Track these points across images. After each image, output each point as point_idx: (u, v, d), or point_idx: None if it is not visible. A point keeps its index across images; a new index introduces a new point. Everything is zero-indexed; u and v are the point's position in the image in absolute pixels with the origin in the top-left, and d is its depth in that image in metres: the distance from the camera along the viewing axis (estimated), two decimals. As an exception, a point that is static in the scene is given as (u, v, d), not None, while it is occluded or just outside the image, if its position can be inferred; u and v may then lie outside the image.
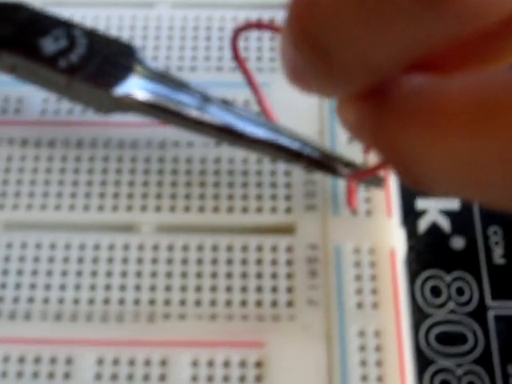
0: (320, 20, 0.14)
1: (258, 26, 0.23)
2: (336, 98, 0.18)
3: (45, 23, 0.24)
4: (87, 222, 0.25)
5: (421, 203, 0.27)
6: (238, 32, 0.23)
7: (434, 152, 0.15)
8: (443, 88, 0.15)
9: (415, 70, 0.16)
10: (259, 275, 0.24)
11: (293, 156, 0.24)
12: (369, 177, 0.24)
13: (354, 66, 0.15)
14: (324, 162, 0.24)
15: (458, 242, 0.26)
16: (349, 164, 0.24)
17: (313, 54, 0.15)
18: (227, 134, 0.24)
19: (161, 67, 0.28)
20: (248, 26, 0.23)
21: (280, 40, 0.17)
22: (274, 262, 0.24)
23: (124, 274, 0.24)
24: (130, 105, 0.24)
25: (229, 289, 0.24)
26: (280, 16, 0.29)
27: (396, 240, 0.25)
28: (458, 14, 0.13)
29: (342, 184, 0.25)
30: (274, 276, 0.24)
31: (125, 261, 0.25)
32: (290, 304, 0.24)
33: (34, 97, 0.27)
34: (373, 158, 0.25)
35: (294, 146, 0.24)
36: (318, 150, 0.24)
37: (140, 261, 0.25)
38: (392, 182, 0.26)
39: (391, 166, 0.16)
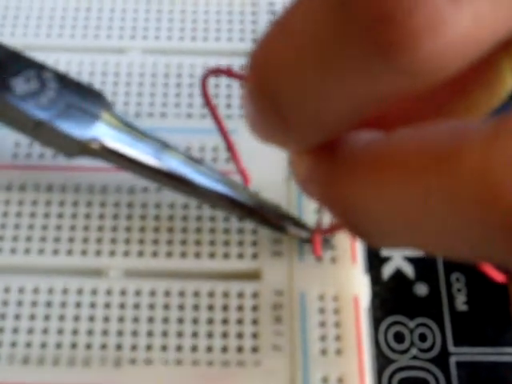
0: (274, 69, 0.15)
1: (228, 72, 0.24)
2: (290, 151, 0.18)
3: (17, 63, 0.25)
4: (56, 266, 0.26)
5: (385, 250, 0.27)
6: (207, 75, 0.24)
7: (381, 202, 0.15)
8: (389, 140, 0.15)
9: (364, 127, 0.16)
10: (225, 321, 0.25)
11: (244, 212, 0.25)
12: (332, 234, 0.25)
13: (308, 123, 0.15)
14: (274, 221, 0.25)
15: (421, 289, 0.26)
16: (300, 224, 0.25)
17: (265, 104, 0.15)
18: (181, 184, 0.25)
19: (130, 114, 0.28)
20: (218, 71, 0.24)
21: (242, 91, 0.17)
22: (240, 308, 0.25)
23: (91, 319, 0.25)
24: (93, 150, 0.25)
25: (195, 334, 0.24)
26: (237, 63, 0.29)
27: (360, 287, 0.25)
28: (410, 68, 0.13)
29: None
30: (240, 322, 0.25)
31: (92, 305, 0.25)
32: (255, 350, 0.24)
33: (6, 140, 0.27)
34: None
35: (248, 202, 0.25)
36: (270, 208, 0.25)
37: (107, 305, 0.25)
38: (357, 229, 0.26)
39: (341, 221, 0.16)
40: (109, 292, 0.25)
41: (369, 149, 0.15)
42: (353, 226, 0.16)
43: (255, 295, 0.25)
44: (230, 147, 0.26)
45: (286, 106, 0.15)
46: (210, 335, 0.24)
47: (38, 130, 0.24)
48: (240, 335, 0.24)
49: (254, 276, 0.25)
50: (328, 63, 0.13)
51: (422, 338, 0.26)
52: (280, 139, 0.16)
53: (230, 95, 0.29)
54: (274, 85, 0.15)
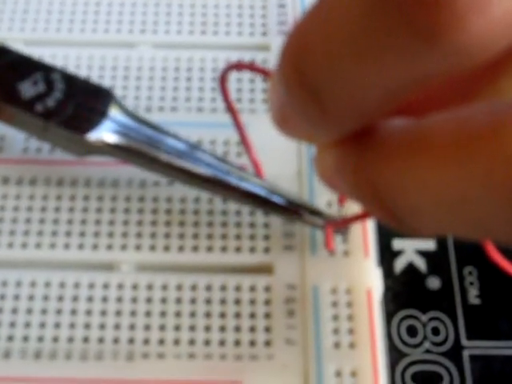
0: (312, 59, 0.14)
1: (250, 67, 0.24)
2: (316, 145, 0.18)
3: (25, 67, 0.25)
4: (68, 260, 0.25)
5: (397, 243, 0.27)
6: (228, 69, 0.23)
7: (420, 186, 0.14)
8: (425, 123, 0.15)
9: (392, 114, 0.16)
10: (238, 315, 0.24)
11: (260, 202, 0.25)
12: (345, 226, 0.25)
13: (346, 107, 0.15)
14: (290, 208, 0.25)
15: (433, 282, 0.26)
16: (315, 212, 0.25)
17: (304, 95, 0.15)
18: (209, 183, 0.25)
19: (141, 109, 0.28)
20: (239, 66, 0.24)
21: (270, 83, 0.17)
22: (253, 302, 0.25)
23: (103, 313, 0.25)
24: (104, 149, 0.25)
25: (207, 328, 0.24)
26: (260, 57, 0.29)
27: (373, 281, 0.25)
28: (458, 48, 0.12)
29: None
30: (253, 316, 0.24)
31: (104, 299, 0.25)
32: (267, 343, 0.24)
33: (16, 135, 0.27)
34: (346, 208, 0.25)
35: (262, 192, 0.25)
36: (286, 197, 0.25)
37: (119, 299, 0.25)
38: (369, 222, 0.26)
39: (374, 210, 0.16)
40: (120, 286, 0.25)
41: (404, 132, 0.15)
42: (387, 214, 0.16)
43: (267, 289, 0.25)
44: (244, 141, 0.26)
45: (327, 95, 0.14)
46: (222, 329, 0.24)
47: (47, 132, 0.24)
48: (253, 329, 0.24)
49: (266, 270, 0.25)
50: (369, 48, 0.13)
51: (435, 331, 0.25)
52: (312, 129, 0.16)
53: (241, 89, 0.29)
54: (313, 74, 0.14)
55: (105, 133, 0.24)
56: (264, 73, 0.24)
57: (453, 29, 0.12)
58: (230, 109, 0.25)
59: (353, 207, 0.26)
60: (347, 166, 0.16)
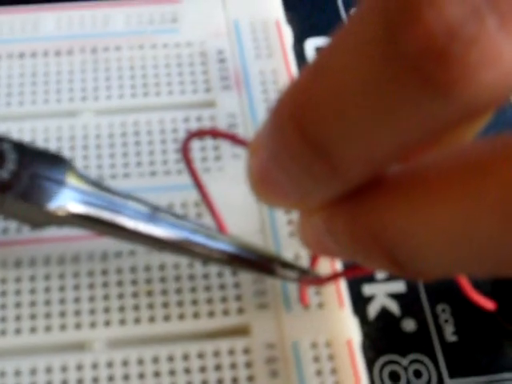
0: (318, 115, 0.14)
1: (213, 133, 0.23)
2: (300, 212, 0.18)
3: None
4: (36, 344, 0.24)
5: (367, 289, 0.27)
6: (189, 138, 0.23)
7: (426, 227, 0.14)
8: (421, 165, 0.14)
9: None
10: (220, 381, 0.24)
11: (231, 259, 0.24)
12: (321, 285, 0.25)
13: (356, 162, 0.14)
14: (263, 264, 0.24)
15: (409, 324, 0.26)
16: (287, 265, 0.24)
17: (309, 153, 0.14)
18: (174, 245, 0.24)
19: (92, 177, 0.27)
20: (201, 133, 0.23)
21: (251, 147, 0.16)
22: (233, 366, 0.24)
23: (80, 396, 0.23)
24: (64, 219, 0.24)
25: (190, 399, 0.24)
26: (206, 114, 0.29)
27: (351, 331, 0.25)
28: (470, 100, 0.12)
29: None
30: (235, 381, 0.24)
31: (80, 381, 0.24)
32: (254, 408, 0.23)
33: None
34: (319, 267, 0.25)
35: (232, 249, 0.24)
36: (256, 252, 0.24)
37: (95, 380, 0.24)
38: (339, 271, 0.26)
39: (373, 260, 0.16)
40: (95, 365, 0.24)
41: (401, 176, 0.15)
42: (390, 260, 0.15)
43: (247, 351, 0.24)
44: (207, 201, 0.25)
45: (336, 151, 0.14)
46: (206, 398, 0.24)
47: (4, 206, 0.23)
48: (237, 394, 0.24)
49: (242, 331, 0.25)
50: (381, 101, 0.13)
51: (417, 374, 0.25)
52: (303, 194, 0.16)
53: (205, 147, 0.28)
54: (319, 131, 0.14)
55: (64, 201, 0.23)
56: (227, 137, 0.23)
57: (466, 82, 0.12)
58: (193, 174, 0.24)
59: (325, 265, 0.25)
60: (341, 223, 0.16)
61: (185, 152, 0.24)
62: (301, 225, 0.17)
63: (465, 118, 0.13)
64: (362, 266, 0.23)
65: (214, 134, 0.23)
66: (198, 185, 0.25)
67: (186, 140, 0.23)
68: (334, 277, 0.23)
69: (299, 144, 0.14)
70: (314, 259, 0.25)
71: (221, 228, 0.26)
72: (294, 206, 0.17)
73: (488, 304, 0.24)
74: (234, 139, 0.23)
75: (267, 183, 0.16)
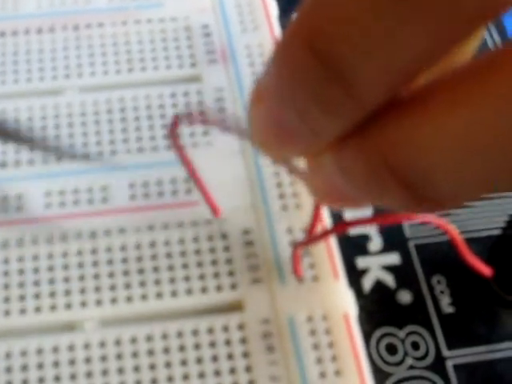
0: (331, 33, 0.13)
1: (201, 118, 0.23)
2: (307, 161, 0.17)
3: None
4: (25, 325, 0.24)
5: (361, 262, 0.26)
6: (175, 122, 0.23)
7: (434, 138, 0.13)
8: (427, 84, 0.14)
9: None
10: (215, 358, 0.23)
11: None
12: (313, 243, 0.24)
13: (372, 82, 0.13)
14: None
15: (404, 297, 0.26)
16: None
17: (327, 80, 0.13)
18: None
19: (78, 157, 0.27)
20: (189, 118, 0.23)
21: (251, 104, 0.16)
22: (228, 343, 0.24)
23: (73, 377, 0.23)
24: None
25: (185, 377, 0.23)
26: (193, 89, 0.28)
27: (347, 303, 0.24)
28: None
29: (283, 253, 0.25)
30: (230, 357, 0.23)
31: (72, 362, 0.23)
32: (251, 383, 0.23)
33: None
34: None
35: None
36: None
37: (88, 360, 0.23)
38: (333, 244, 0.25)
39: (390, 192, 0.15)
40: (87, 346, 0.23)
41: (408, 97, 0.14)
42: (406, 189, 0.14)
43: (241, 327, 0.24)
44: (195, 179, 0.25)
45: (354, 69, 0.13)
46: (201, 375, 0.23)
47: None
48: (233, 371, 0.23)
49: (236, 307, 0.24)
50: (392, 12, 0.12)
51: (415, 346, 0.25)
52: (318, 131, 0.15)
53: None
54: (334, 49, 0.13)
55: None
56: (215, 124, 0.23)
57: None
58: (182, 157, 0.24)
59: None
60: (352, 155, 0.15)
61: (173, 137, 0.23)
62: (309, 174, 0.17)
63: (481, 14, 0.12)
64: (353, 222, 0.23)
65: (204, 120, 0.23)
66: (188, 166, 0.24)
67: (173, 125, 0.23)
68: (324, 234, 0.23)
69: (313, 69, 0.13)
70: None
71: (212, 207, 0.25)
72: (304, 149, 0.16)
73: (485, 269, 0.24)
74: (223, 125, 0.22)
75: (275, 130, 0.15)
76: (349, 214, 0.27)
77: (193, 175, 0.25)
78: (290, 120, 0.15)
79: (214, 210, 0.25)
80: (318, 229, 0.24)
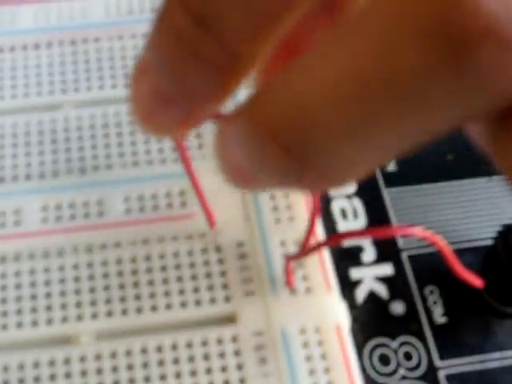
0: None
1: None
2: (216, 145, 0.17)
3: None
4: (22, 339, 0.24)
5: (354, 273, 0.27)
6: None
7: (301, 85, 0.13)
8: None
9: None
10: (208, 370, 0.24)
11: None
12: (305, 256, 0.24)
13: (240, 27, 0.14)
14: None
15: (397, 307, 0.26)
16: None
17: (199, 32, 0.14)
18: None
19: (74, 170, 0.27)
20: None
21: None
22: (222, 355, 0.24)
23: (69, 390, 0.23)
24: None
25: (180, 389, 0.23)
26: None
27: (340, 315, 0.25)
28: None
29: (277, 265, 0.25)
30: (224, 369, 0.24)
31: (68, 375, 0.24)
32: (244, 395, 0.23)
33: None
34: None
35: None
36: None
37: (84, 373, 0.24)
38: (325, 256, 0.26)
39: (271, 163, 0.14)
40: (83, 359, 0.24)
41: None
42: (299, 154, 0.14)
43: (235, 339, 0.24)
44: (197, 189, 0.25)
45: (215, 22, 0.14)
46: (195, 388, 0.23)
47: None
48: (227, 383, 0.23)
49: (230, 319, 0.25)
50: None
51: (408, 356, 0.25)
52: (197, 94, 0.15)
53: (175, 138, 0.28)
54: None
55: None
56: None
57: None
58: (185, 162, 0.24)
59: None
60: (238, 125, 0.15)
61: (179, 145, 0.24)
62: (215, 150, 0.16)
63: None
64: (345, 235, 0.23)
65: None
66: (190, 172, 0.24)
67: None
68: (317, 247, 0.23)
69: (187, 27, 0.14)
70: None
71: (209, 218, 0.26)
72: (182, 117, 0.16)
73: (476, 281, 0.24)
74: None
75: (156, 99, 0.16)
76: (342, 227, 0.28)
77: (195, 183, 0.25)
78: (169, 86, 0.15)
79: (211, 220, 0.25)
80: (312, 241, 0.24)
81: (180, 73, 0.15)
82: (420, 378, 0.25)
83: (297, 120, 0.14)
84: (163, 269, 0.25)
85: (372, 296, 0.26)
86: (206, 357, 0.24)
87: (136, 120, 0.17)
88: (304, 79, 0.13)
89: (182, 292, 0.25)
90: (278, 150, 0.14)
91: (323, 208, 0.27)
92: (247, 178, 0.16)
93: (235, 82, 0.16)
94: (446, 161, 0.29)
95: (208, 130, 0.28)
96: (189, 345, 0.24)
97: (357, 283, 0.27)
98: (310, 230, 0.24)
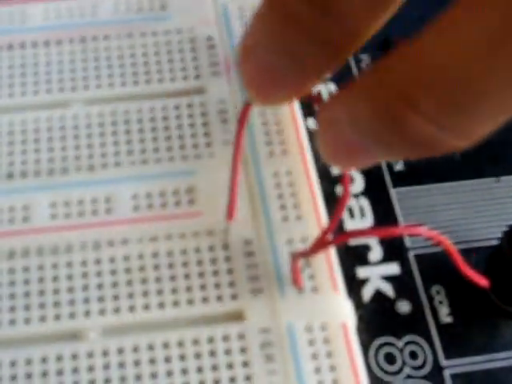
0: None
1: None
2: (319, 123, 0.17)
3: None
4: (30, 334, 0.24)
5: (361, 271, 0.27)
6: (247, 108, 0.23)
7: (447, 50, 0.14)
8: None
9: None
10: (215, 367, 0.24)
11: None
12: (312, 255, 0.24)
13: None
14: None
15: (403, 306, 0.26)
16: None
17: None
18: None
19: (83, 168, 0.27)
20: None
21: (241, 57, 0.17)
22: (228, 352, 0.24)
23: (76, 385, 0.23)
24: None
25: (186, 385, 0.24)
26: (197, 101, 0.29)
27: (346, 314, 0.25)
28: None
29: (284, 264, 0.25)
30: (230, 366, 0.24)
31: (75, 371, 0.24)
32: (250, 393, 0.23)
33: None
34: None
35: None
36: None
37: (91, 369, 0.24)
38: (332, 255, 0.26)
39: (404, 133, 0.15)
40: (90, 354, 0.24)
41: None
42: (430, 117, 0.14)
43: (241, 336, 0.24)
44: (234, 183, 0.25)
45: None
46: (201, 384, 0.24)
47: None
48: (233, 380, 0.24)
49: (237, 317, 0.25)
50: None
51: (413, 355, 0.25)
52: (308, 67, 0.16)
53: (183, 135, 0.28)
54: None
55: None
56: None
57: None
58: (238, 148, 0.24)
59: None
60: (362, 96, 0.16)
61: (241, 122, 0.24)
62: (323, 139, 0.17)
63: None
64: (352, 233, 0.23)
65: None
66: (237, 161, 0.24)
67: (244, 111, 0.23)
68: (324, 245, 0.23)
69: (298, 4, 0.15)
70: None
71: (231, 211, 0.25)
72: (297, 89, 0.17)
73: (482, 281, 0.24)
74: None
75: (268, 75, 0.17)
76: (349, 226, 0.28)
77: (235, 170, 0.25)
78: (282, 62, 0.16)
79: (231, 214, 0.25)
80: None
81: (295, 50, 0.16)
82: (425, 377, 0.25)
83: (442, 81, 0.14)
84: (171, 266, 0.25)
85: (378, 295, 0.26)
86: (213, 354, 0.24)
87: (249, 94, 0.18)
88: (453, 38, 0.14)
89: (189, 289, 0.25)
90: (414, 116, 0.14)
91: (330, 207, 0.27)
92: (356, 154, 0.17)
93: (348, 55, 0.17)
94: (454, 161, 0.29)
95: (216, 129, 0.28)
96: (195, 342, 0.24)
97: (363, 282, 0.27)
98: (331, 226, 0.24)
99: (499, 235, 0.26)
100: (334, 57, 0.16)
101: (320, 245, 0.24)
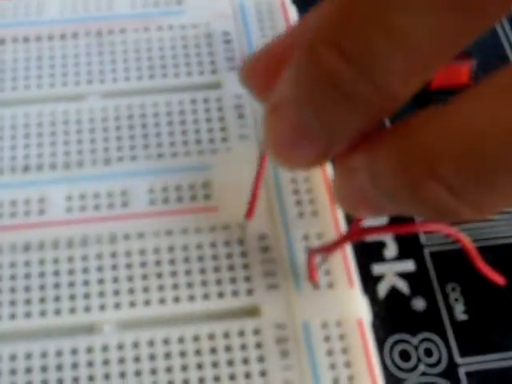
0: (358, 31, 0.13)
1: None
2: (335, 174, 0.17)
3: None
4: (45, 327, 0.24)
5: (377, 268, 0.27)
6: None
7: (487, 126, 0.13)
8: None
9: None
10: (230, 362, 0.24)
11: None
12: (329, 252, 0.24)
13: (403, 74, 0.14)
14: None
15: (418, 304, 0.26)
16: None
17: (353, 76, 0.14)
18: None
19: (99, 161, 0.27)
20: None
21: (268, 114, 0.16)
22: (244, 347, 0.24)
23: (91, 378, 0.23)
24: None
25: (201, 380, 0.23)
26: (213, 96, 0.29)
27: (361, 310, 0.25)
28: None
29: (300, 260, 0.25)
30: (246, 361, 0.24)
31: (90, 364, 0.24)
32: (266, 388, 0.23)
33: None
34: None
35: None
36: None
37: (106, 362, 0.24)
38: (348, 251, 0.26)
39: (426, 196, 0.15)
40: (105, 348, 0.24)
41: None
42: (464, 191, 0.14)
43: (257, 332, 0.24)
44: (258, 181, 0.25)
45: (378, 64, 0.14)
46: (217, 379, 0.23)
47: None
48: (248, 375, 0.24)
49: (252, 312, 0.25)
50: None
51: (428, 353, 0.25)
52: (338, 133, 0.15)
53: (199, 130, 0.28)
54: (360, 45, 0.13)
55: None
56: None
57: None
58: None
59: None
60: (384, 155, 0.15)
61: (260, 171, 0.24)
62: (337, 181, 0.17)
63: None
64: (369, 230, 0.23)
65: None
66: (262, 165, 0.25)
67: None
68: (340, 242, 0.23)
69: (338, 67, 0.14)
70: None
71: (251, 208, 0.25)
72: (321, 154, 0.16)
73: (499, 279, 0.24)
74: None
75: (294, 135, 0.16)
76: (366, 222, 0.28)
77: (261, 168, 0.25)
78: (312, 121, 0.15)
79: (251, 212, 0.25)
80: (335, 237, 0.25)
81: (327, 110, 0.15)
82: (440, 375, 0.25)
83: (473, 154, 0.13)
84: (186, 260, 0.25)
85: (393, 292, 0.26)
86: (228, 349, 0.24)
87: (272, 153, 0.17)
88: (488, 113, 0.13)
89: (204, 284, 0.25)
90: (435, 185, 0.14)
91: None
92: (370, 205, 0.16)
93: (383, 119, 0.15)
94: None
95: (232, 123, 0.28)
96: (211, 336, 0.24)
97: (379, 279, 0.27)
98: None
99: (516, 233, 0.26)
100: (369, 121, 0.15)
101: (337, 242, 0.23)
